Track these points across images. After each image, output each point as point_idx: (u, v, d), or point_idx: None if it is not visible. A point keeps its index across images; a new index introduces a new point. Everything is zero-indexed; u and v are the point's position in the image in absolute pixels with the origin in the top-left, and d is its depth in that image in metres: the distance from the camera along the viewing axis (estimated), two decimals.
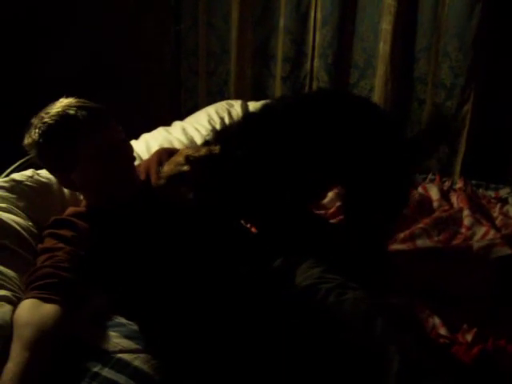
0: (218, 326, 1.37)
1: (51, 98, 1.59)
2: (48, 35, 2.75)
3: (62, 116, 1.50)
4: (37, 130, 1.50)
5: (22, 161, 1.95)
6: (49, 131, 1.50)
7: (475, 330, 1.46)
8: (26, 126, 1.56)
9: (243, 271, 1.48)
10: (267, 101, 2.61)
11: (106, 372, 1.28)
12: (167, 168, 1.63)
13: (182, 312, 1.42)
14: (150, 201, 1.62)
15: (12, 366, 1.20)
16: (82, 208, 1.64)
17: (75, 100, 1.55)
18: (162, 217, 1.59)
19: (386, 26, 2.61)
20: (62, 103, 1.54)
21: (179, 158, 1.62)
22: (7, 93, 2.56)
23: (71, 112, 1.50)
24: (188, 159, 1.59)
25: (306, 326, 1.32)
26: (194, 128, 2.38)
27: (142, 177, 1.73)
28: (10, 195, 1.69)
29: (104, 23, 2.99)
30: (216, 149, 1.62)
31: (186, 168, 1.58)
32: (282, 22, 2.89)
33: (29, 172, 1.78)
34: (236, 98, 2.89)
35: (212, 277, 1.48)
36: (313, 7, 2.81)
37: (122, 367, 1.30)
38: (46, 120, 1.50)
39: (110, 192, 1.60)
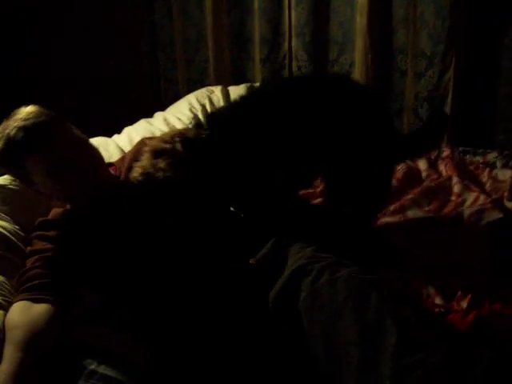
0: (207, 324, 1.37)
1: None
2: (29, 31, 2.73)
3: (3, 140, 1.48)
4: None
5: None
6: None
7: (470, 296, 1.46)
8: None
9: (233, 267, 1.47)
10: (248, 85, 2.62)
11: (103, 369, 1.28)
12: (152, 142, 1.62)
13: (171, 309, 1.41)
14: (129, 197, 1.60)
15: (6, 367, 1.20)
16: (66, 209, 1.63)
17: (23, 114, 1.51)
18: (143, 213, 1.58)
19: None
20: (9, 120, 1.51)
21: (166, 136, 1.61)
22: None
23: (11, 134, 1.47)
24: (173, 139, 1.57)
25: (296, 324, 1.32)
26: (176, 117, 2.37)
27: (123, 170, 1.71)
28: None
29: (78, 18, 2.97)
30: (203, 133, 1.61)
31: (168, 146, 1.57)
32: (256, 4, 2.86)
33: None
34: (216, 83, 2.87)
35: (200, 274, 1.47)
36: None
37: (119, 363, 1.29)
38: None
39: (77, 197, 1.58)
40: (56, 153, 1.49)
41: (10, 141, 1.47)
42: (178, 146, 1.56)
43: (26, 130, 1.47)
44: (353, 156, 1.68)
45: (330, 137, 1.66)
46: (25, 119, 1.49)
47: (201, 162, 1.59)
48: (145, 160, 1.58)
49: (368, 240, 1.73)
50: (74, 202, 1.60)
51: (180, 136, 1.59)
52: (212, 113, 1.93)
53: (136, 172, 1.57)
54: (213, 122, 1.70)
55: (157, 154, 1.57)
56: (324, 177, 1.84)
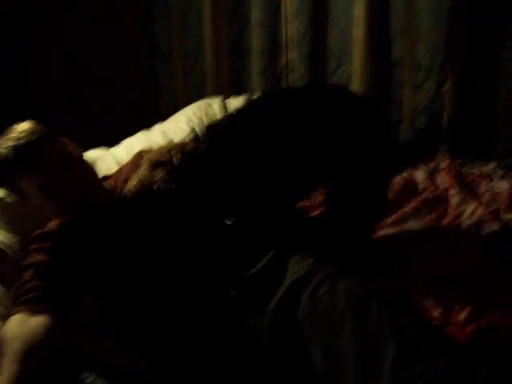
0: (205, 334, 1.36)
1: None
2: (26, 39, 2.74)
3: None
4: None
5: None
6: None
7: (469, 308, 1.45)
8: None
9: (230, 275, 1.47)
10: (248, 96, 2.62)
11: (101, 382, 1.27)
12: (150, 154, 1.63)
13: (168, 318, 1.41)
14: (126, 209, 1.61)
15: (3, 379, 1.20)
16: (61, 220, 1.63)
17: (16, 133, 1.53)
18: (136, 224, 1.58)
19: (359, 11, 2.60)
20: (3, 138, 1.53)
21: (164, 149, 1.62)
22: None
23: (4, 153, 1.50)
24: (170, 151, 1.58)
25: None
26: (173, 131, 2.37)
27: (120, 183, 1.72)
28: None
29: (75, 30, 2.98)
30: (201, 146, 1.63)
31: (165, 158, 1.58)
32: (254, 16, 2.88)
33: None
34: (214, 95, 2.87)
35: (195, 282, 1.47)
36: None
37: (118, 377, 1.29)
38: None
39: (72, 210, 1.59)
40: (47, 171, 1.52)
41: (2, 160, 1.50)
42: (176, 158, 1.57)
43: (18, 149, 1.50)
44: (351, 165, 1.68)
45: (329, 146, 1.66)
46: (17, 138, 1.52)
47: (198, 174, 1.59)
48: (142, 171, 1.59)
49: (367, 251, 1.73)
50: (69, 215, 1.61)
51: (178, 149, 1.60)
52: (210, 125, 1.94)
53: (131, 183, 1.58)
54: (210, 134, 1.71)
55: (154, 165, 1.58)
56: (324, 187, 1.85)
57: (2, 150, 1.51)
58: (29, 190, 1.54)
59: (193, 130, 2.32)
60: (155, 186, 1.54)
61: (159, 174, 1.56)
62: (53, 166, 1.53)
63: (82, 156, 1.67)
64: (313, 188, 1.92)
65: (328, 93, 1.76)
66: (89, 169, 1.66)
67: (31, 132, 1.54)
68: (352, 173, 1.69)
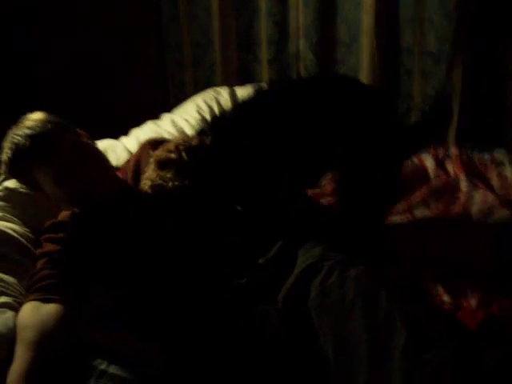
0: (212, 323, 1.37)
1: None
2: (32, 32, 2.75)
3: (11, 149, 1.52)
4: None
5: None
6: (6, 164, 1.56)
7: (479, 295, 1.46)
8: None
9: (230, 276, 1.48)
10: (254, 85, 2.62)
11: (113, 369, 1.30)
12: (157, 153, 1.63)
13: (175, 309, 1.42)
14: (134, 200, 1.62)
15: (16, 366, 1.22)
16: (74, 211, 1.65)
17: (30, 122, 1.55)
18: (147, 215, 1.59)
19: None
20: (17, 128, 1.55)
21: (170, 145, 1.62)
22: None
23: (19, 143, 1.51)
24: (178, 148, 1.58)
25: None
26: (183, 119, 2.37)
27: (129, 174, 1.73)
28: (5, 204, 1.71)
29: (85, 21, 2.98)
30: (207, 139, 1.62)
31: (173, 155, 1.57)
32: (263, 5, 2.87)
33: None
34: (223, 85, 2.87)
35: (200, 280, 1.48)
36: None
37: (129, 363, 1.30)
38: (2, 154, 1.55)
39: (85, 201, 1.60)
40: (62, 160, 1.53)
41: (17, 150, 1.51)
42: (183, 154, 1.57)
43: (33, 138, 1.51)
44: (360, 153, 1.68)
45: (336, 135, 1.66)
46: (31, 127, 1.53)
47: (206, 168, 1.60)
48: (151, 171, 1.59)
49: (377, 239, 1.73)
50: (82, 205, 1.62)
51: (184, 144, 1.60)
52: (215, 117, 1.93)
53: (146, 185, 1.58)
54: (216, 126, 1.70)
55: (162, 164, 1.58)
56: (334, 175, 1.85)
57: (16, 139, 1.51)
58: (43, 180, 1.54)
59: (203, 118, 2.32)
60: (169, 185, 1.55)
61: (168, 173, 1.56)
62: (67, 156, 1.53)
63: (95, 146, 1.68)
64: (319, 175, 1.92)
65: (335, 83, 1.76)
66: (103, 159, 1.66)
67: (45, 121, 1.55)
68: (360, 161, 1.69)
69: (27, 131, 1.52)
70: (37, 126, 1.53)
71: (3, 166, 1.58)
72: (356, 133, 1.66)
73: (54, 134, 1.54)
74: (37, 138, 1.51)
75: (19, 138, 1.51)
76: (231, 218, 1.65)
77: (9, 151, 1.53)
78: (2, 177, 1.74)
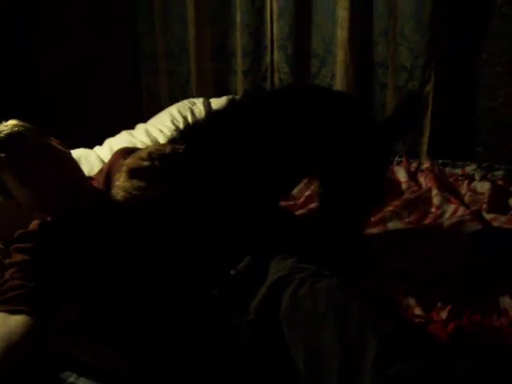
0: (182, 331, 1.36)
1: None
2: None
3: None
4: None
5: None
6: None
7: (449, 307, 1.47)
8: None
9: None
10: (229, 97, 2.62)
11: (82, 381, 1.28)
12: (129, 161, 1.61)
13: (146, 317, 1.41)
14: (108, 209, 1.61)
15: None
16: (43, 220, 1.62)
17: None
18: (121, 225, 1.58)
19: (342, 12, 2.62)
20: None
21: (142, 154, 1.60)
22: None
23: None
24: (151, 156, 1.57)
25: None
26: (158, 129, 2.37)
27: (102, 181, 1.71)
28: None
29: (61, 29, 2.97)
30: (180, 148, 1.61)
31: (146, 163, 1.56)
32: (238, 17, 2.88)
33: None
34: (198, 95, 2.88)
35: (176, 283, 1.47)
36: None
37: (98, 375, 1.29)
38: None
39: (55, 207, 1.58)
40: (26, 160, 1.51)
41: None
42: (156, 163, 1.56)
43: None
44: (337, 163, 1.68)
45: (311, 145, 1.66)
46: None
47: (179, 178, 1.59)
48: (123, 181, 1.58)
49: (350, 250, 1.74)
50: (54, 213, 1.60)
51: (157, 153, 1.59)
52: (187, 126, 1.93)
53: (119, 195, 1.56)
54: (189, 135, 1.69)
55: (134, 172, 1.57)
56: (310, 183, 1.85)
57: None
58: (10, 181, 1.53)
59: (177, 128, 2.31)
60: (142, 194, 1.53)
61: (141, 182, 1.55)
62: (31, 156, 1.53)
63: (68, 153, 1.66)
64: (292, 186, 1.93)
65: (309, 92, 1.76)
66: (73, 165, 1.65)
67: (13, 125, 1.56)
68: (339, 170, 1.69)
69: None
70: (3, 130, 1.54)
71: None
72: (331, 140, 1.66)
73: (19, 135, 1.55)
74: (1, 138, 1.52)
75: None
76: (203, 228, 1.64)
77: None
78: None
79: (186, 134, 1.71)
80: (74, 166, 1.66)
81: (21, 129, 1.56)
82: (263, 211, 1.72)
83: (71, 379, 1.29)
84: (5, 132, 1.53)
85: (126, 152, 1.78)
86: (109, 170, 1.73)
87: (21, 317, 1.33)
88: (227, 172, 1.63)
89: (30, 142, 1.55)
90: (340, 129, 1.66)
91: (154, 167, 1.55)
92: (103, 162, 2.13)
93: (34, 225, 1.61)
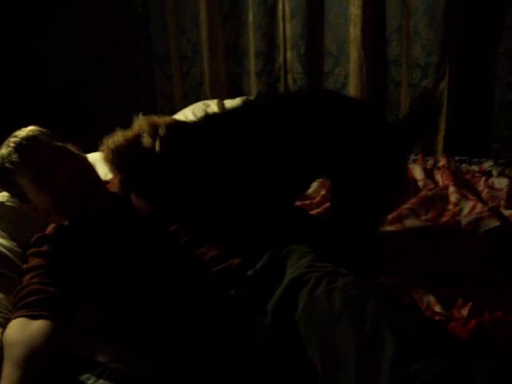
0: (200, 332, 1.36)
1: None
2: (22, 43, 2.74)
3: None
4: None
5: None
6: None
7: (470, 304, 1.45)
8: None
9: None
10: (243, 98, 2.62)
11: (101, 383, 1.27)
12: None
13: (164, 319, 1.41)
14: (123, 210, 1.62)
15: None
16: (59, 223, 1.63)
17: (16, 133, 1.59)
18: (134, 226, 1.59)
19: (355, 10, 2.61)
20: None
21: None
22: None
23: (2, 152, 1.55)
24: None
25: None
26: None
27: (117, 185, 1.72)
28: None
29: (74, 32, 2.98)
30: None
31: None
32: (251, 17, 2.89)
33: None
34: (212, 97, 2.89)
35: (194, 283, 1.47)
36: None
37: (117, 377, 1.29)
38: None
39: (71, 211, 1.59)
40: (41, 163, 1.53)
41: (1, 156, 1.54)
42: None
43: (13, 144, 1.54)
44: (349, 165, 1.68)
45: (323, 148, 1.67)
46: (15, 136, 1.56)
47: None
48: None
49: (367, 248, 1.73)
50: (70, 216, 1.61)
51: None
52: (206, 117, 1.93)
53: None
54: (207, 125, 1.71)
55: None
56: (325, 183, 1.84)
57: (3, 149, 1.55)
58: (26, 186, 1.54)
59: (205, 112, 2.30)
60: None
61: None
62: (46, 158, 1.54)
63: (82, 156, 1.68)
64: (306, 186, 1.92)
65: (320, 96, 1.77)
66: (89, 168, 1.66)
67: (29, 130, 1.58)
68: (349, 170, 1.69)
69: (11, 139, 1.56)
70: (19, 135, 1.56)
71: None
72: (343, 141, 1.66)
73: (34, 139, 1.57)
74: (17, 143, 1.54)
75: (4, 146, 1.55)
76: (220, 228, 1.65)
77: None
78: None
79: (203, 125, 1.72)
80: (91, 169, 1.67)
81: (37, 133, 1.58)
82: (278, 210, 1.73)
83: (90, 382, 1.29)
84: (21, 136, 1.55)
85: None
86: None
87: (42, 321, 1.33)
88: (245, 170, 1.64)
89: (45, 146, 1.56)
90: (351, 130, 1.66)
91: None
92: None
93: (50, 229, 1.62)
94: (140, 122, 1.75)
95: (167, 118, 1.77)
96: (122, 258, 1.52)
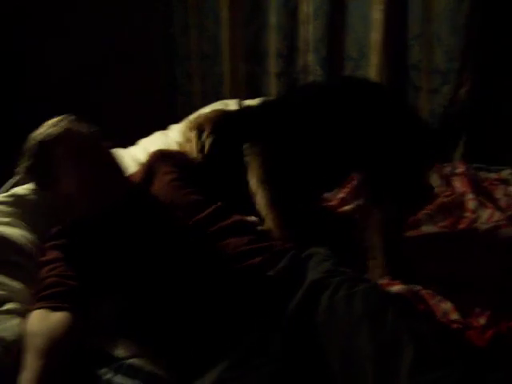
0: (219, 329, 1.37)
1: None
2: (40, 42, 2.76)
3: (32, 141, 1.63)
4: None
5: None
6: (27, 157, 1.63)
7: (488, 313, 1.45)
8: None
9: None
10: (263, 99, 2.63)
11: (119, 378, 1.29)
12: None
13: (182, 316, 1.42)
14: (143, 205, 1.64)
15: (27, 374, 1.22)
16: (77, 217, 1.66)
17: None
18: (155, 221, 1.60)
19: (377, 15, 2.60)
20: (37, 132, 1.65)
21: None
22: None
23: (38, 137, 1.62)
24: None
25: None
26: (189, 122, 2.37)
27: (139, 181, 1.75)
28: (13, 210, 1.71)
29: (94, 31, 3.00)
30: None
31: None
32: (272, 19, 2.89)
33: (30, 185, 1.79)
34: (231, 97, 2.89)
35: (215, 281, 1.48)
36: (302, 1, 2.80)
37: (135, 372, 1.30)
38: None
39: (97, 197, 1.62)
40: (79, 139, 1.62)
41: (36, 140, 1.61)
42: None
43: (49, 125, 1.64)
44: (384, 154, 1.67)
45: (360, 137, 1.66)
46: (48, 121, 1.66)
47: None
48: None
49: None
50: (91, 203, 1.62)
51: None
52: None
53: None
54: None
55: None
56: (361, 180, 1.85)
57: (43, 127, 1.64)
58: (61, 159, 1.59)
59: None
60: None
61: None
62: (84, 137, 1.64)
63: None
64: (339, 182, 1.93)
65: (360, 85, 1.78)
66: (119, 159, 1.73)
67: (62, 118, 1.67)
68: (385, 163, 1.69)
69: (53, 119, 1.66)
70: (54, 122, 1.65)
71: (24, 162, 1.64)
72: (379, 134, 1.66)
73: (75, 119, 1.67)
74: (52, 125, 1.63)
75: (45, 125, 1.65)
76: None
77: (30, 143, 1.62)
78: (18, 176, 1.76)
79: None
80: (119, 158, 1.71)
81: (69, 119, 1.67)
82: (307, 206, 1.74)
83: (108, 376, 1.30)
84: (62, 117, 1.67)
85: (163, 154, 1.81)
86: (148, 170, 1.77)
87: (61, 313, 1.36)
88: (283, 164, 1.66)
89: (83, 126, 1.67)
90: (386, 122, 1.66)
91: None
92: (138, 162, 2.15)
93: (67, 222, 1.64)
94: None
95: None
96: (137, 250, 1.53)
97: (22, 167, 1.64)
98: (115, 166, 1.71)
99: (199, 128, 1.88)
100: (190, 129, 1.91)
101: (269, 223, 1.74)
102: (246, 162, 1.75)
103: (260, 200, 1.74)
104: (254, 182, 1.75)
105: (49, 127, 1.62)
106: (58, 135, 1.60)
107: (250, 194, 1.73)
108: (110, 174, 1.66)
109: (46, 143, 1.59)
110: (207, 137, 1.84)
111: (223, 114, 1.86)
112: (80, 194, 1.60)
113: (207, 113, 1.94)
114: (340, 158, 1.70)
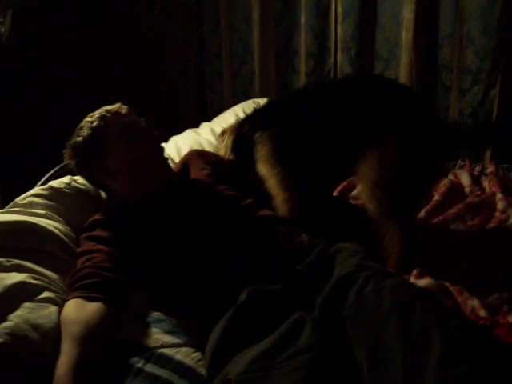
0: (247, 324, 1.38)
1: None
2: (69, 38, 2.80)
3: (86, 128, 1.70)
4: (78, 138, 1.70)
5: (57, 168, 2.00)
6: (81, 142, 1.70)
7: None
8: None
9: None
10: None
11: (149, 367, 1.31)
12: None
13: (211, 309, 1.43)
14: (182, 195, 1.68)
15: (65, 360, 1.24)
16: (111, 208, 1.70)
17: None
18: (193, 212, 1.64)
19: (408, 14, 2.61)
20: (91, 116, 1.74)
21: None
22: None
23: (90, 120, 1.71)
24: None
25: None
26: (222, 128, 2.41)
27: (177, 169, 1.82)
28: (49, 202, 1.75)
29: (128, 30, 3.03)
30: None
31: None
32: (303, 19, 2.91)
33: (66, 179, 1.84)
34: (261, 96, 2.92)
35: (242, 275, 1.50)
36: (333, 1, 2.82)
37: (164, 362, 1.32)
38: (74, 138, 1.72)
39: (144, 177, 1.69)
40: (132, 120, 1.73)
41: (92, 125, 1.70)
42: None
43: (104, 109, 1.74)
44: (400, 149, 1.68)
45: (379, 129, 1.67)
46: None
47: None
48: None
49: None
50: (138, 182, 1.69)
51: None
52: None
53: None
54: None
55: None
56: None
57: (89, 120, 1.73)
58: (115, 135, 1.68)
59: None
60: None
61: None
62: (137, 119, 1.76)
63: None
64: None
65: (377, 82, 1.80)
66: (157, 139, 1.82)
67: (118, 104, 1.77)
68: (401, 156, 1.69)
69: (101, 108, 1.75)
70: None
71: (75, 149, 1.71)
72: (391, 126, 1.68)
73: (127, 107, 1.77)
74: (115, 105, 1.75)
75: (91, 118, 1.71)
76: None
77: (84, 131, 1.69)
78: (66, 162, 1.80)
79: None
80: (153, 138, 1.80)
81: (120, 105, 1.77)
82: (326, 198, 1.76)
83: (139, 365, 1.32)
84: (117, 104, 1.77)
85: (198, 153, 1.89)
86: (184, 166, 1.83)
87: (97, 304, 1.38)
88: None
89: (135, 111, 1.77)
90: (400, 117, 1.67)
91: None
92: (170, 159, 2.19)
93: (101, 213, 1.68)
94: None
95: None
96: (178, 240, 1.56)
97: (73, 142, 1.71)
98: (163, 155, 1.79)
99: (225, 132, 1.96)
100: (220, 134, 1.99)
101: (280, 207, 1.77)
102: (256, 150, 1.79)
103: (271, 183, 1.78)
104: (264, 167, 1.79)
105: (104, 110, 1.72)
106: (117, 112, 1.72)
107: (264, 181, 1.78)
108: (159, 161, 1.75)
109: (105, 118, 1.69)
110: (228, 138, 1.92)
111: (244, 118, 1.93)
112: (130, 170, 1.65)
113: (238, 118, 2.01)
114: (350, 150, 1.72)
